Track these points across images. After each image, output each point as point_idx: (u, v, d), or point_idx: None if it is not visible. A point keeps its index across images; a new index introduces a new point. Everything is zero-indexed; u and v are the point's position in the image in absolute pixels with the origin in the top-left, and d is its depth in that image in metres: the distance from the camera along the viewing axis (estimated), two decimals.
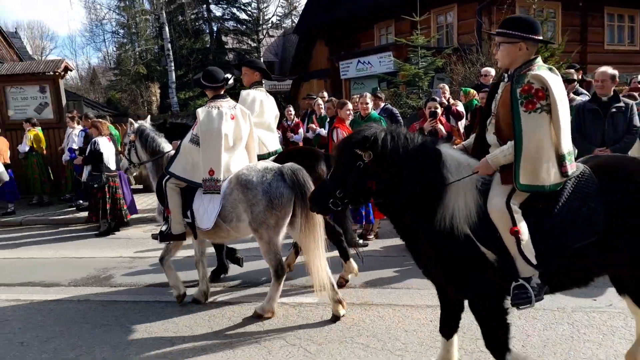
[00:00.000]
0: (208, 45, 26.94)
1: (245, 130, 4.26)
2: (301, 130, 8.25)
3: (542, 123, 2.49)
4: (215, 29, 27.40)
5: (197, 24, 26.42)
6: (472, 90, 7.79)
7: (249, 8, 26.91)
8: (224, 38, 27.37)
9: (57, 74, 10.93)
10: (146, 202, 9.21)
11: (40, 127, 9.95)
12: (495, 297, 2.61)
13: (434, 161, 2.63)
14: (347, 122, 6.08)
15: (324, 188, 2.82)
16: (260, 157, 4.47)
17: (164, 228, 4.32)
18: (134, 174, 5.45)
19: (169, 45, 21.59)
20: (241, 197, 3.91)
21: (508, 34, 2.62)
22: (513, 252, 2.51)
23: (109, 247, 6.65)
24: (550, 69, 2.61)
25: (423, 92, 11.18)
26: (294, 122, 8.42)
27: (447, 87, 7.96)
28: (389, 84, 12.73)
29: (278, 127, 5.87)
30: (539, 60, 2.64)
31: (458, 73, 11.55)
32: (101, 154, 7.21)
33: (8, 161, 8.98)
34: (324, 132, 7.80)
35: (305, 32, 20.48)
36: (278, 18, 29.60)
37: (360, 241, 5.86)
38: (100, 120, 8.12)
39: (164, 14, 21.81)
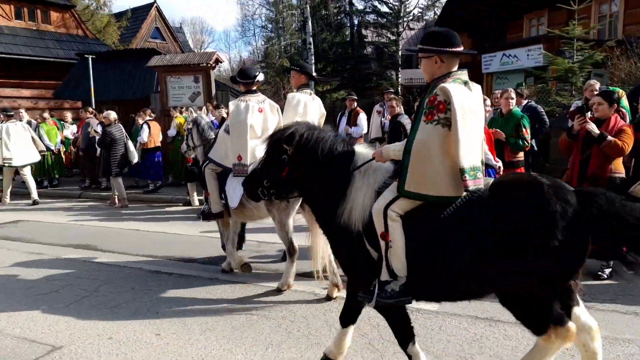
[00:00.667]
0: (348, 39, 27.30)
1: (272, 122, 4.72)
2: None
3: (435, 135, 2.50)
4: (356, 22, 27.64)
5: (338, 17, 26.87)
6: (620, 90, 6.79)
7: (391, 1, 26.66)
8: (364, 31, 27.50)
9: (208, 65, 11.87)
10: None
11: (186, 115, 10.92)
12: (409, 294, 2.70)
13: (344, 159, 2.91)
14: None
15: (255, 176, 3.14)
16: None
17: (205, 208, 5.02)
18: (191, 156, 6.11)
19: (311, 39, 22.27)
20: None
21: (423, 49, 2.67)
22: (382, 254, 2.66)
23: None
24: (465, 83, 2.60)
25: (576, 89, 10.05)
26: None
27: (597, 84, 7.05)
28: (536, 80, 11.68)
29: None
30: (460, 73, 2.65)
31: (621, 69, 10.17)
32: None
33: (159, 144, 9.97)
34: None
35: (448, 24, 19.69)
36: (420, 10, 28.92)
37: None
38: None
39: (308, 9, 22.54)
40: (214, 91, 12.17)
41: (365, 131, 9.19)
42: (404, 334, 2.88)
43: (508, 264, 2.42)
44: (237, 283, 4.81)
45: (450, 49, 2.63)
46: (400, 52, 26.72)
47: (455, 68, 2.68)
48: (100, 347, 3.55)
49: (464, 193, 2.53)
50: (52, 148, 10.81)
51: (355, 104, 9.21)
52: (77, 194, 10.37)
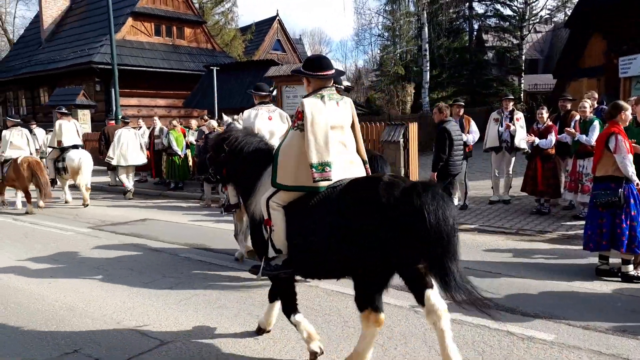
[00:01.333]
0: (467, 44, 26.30)
1: (280, 127, 5.47)
2: (551, 135, 7.38)
3: (295, 138, 3.21)
4: (475, 27, 26.55)
5: (456, 23, 26.02)
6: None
7: (515, 3, 25.19)
8: (484, 36, 26.31)
9: None
10: None
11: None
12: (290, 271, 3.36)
13: (261, 160, 3.55)
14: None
15: (202, 164, 4.12)
16: None
17: (224, 201, 5.67)
18: None
19: (427, 46, 21.79)
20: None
21: (294, 71, 3.61)
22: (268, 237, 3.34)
23: None
24: (322, 97, 3.23)
25: None
26: (544, 125, 7.56)
27: None
28: None
29: None
30: (325, 90, 3.27)
31: None
32: None
33: None
34: (584, 138, 6.76)
35: (579, 25, 18.05)
36: (549, 12, 26.96)
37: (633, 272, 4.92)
38: None
39: (425, 15, 22.11)
40: None
41: (478, 136, 8.75)
42: (288, 304, 3.53)
43: (350, 250, 2.96)
44: (336, 293, 4.76)
45: (312, 73, 3.31)
46: (523, 57, 25.12)
47: (327, 85, 3.34)
48: (202, 347, 3.70)
49: (321, 184, 3.13)
50: (180, 153, 11.72)
51: (463, 110, 8.78)
52: (198, 196, 11.12)
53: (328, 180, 3.14)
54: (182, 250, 6.51)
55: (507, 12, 25.26)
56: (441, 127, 6.84)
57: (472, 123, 8.68)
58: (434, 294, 2.95)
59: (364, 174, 3.39)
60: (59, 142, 10.45)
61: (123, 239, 7.25)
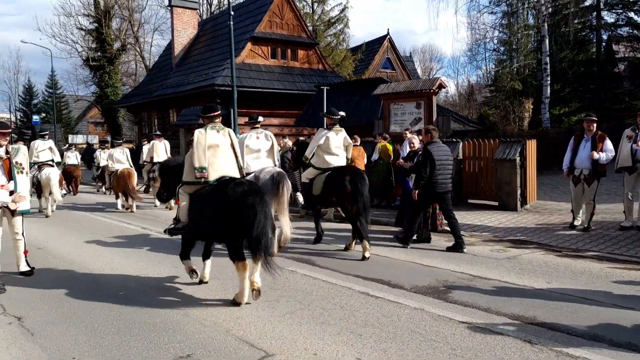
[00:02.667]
0: (594, 56, 24.25)
1: (264, 144, 7.50)
2: None
3: (190, 153, 5.33)
4: (604, 37, 24.42)
5: (582, 34, 24.15)
6: None
7: None
8: (614, 47, 24.08)
9: (431, 91, 11.87)
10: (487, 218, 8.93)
11: (390, 140, 11.18)
12: (188, 233, 5.53)
13: (179, 170, 5.53)
14: None
15: (160, 187, 6.30)
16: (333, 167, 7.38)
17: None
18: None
19: (547, 59, 20.46)
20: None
21: (199, 116, 5.97)
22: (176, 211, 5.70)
23: (454, 260, 6.71)
24: (206, 128, 5.36)
25: None
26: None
27: None
28: None
29: None
30: (210, 124, 5.41)
31: None
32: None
33: (363, 167, 10.35)
34: None
35: None
36: None
37: None
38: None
39: (546, 27, 20.81)
40: (434, 116, 12.09)
41: (613, 155, 7.98)
42: (183, 253, 5.73)
43: (215, 223, 4.99)
44: (444, 319, 4.55)
45: (203, 115, 5.52)
46: None
47: (214, 121, 5.46)
48: None
49: (210, 180, 5.18)
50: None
51: (595, 125, 8.05)
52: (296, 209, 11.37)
53: (204, 177, 5.19)
54: (289, 264, 6.66)
55: None
56: (426, 149, 7.41)
57: (607, 141, 7.95)
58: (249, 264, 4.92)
59: (236, 176, 5.40)
60: (151, 158, 13.14)
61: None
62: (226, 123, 16.97)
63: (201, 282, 5.77)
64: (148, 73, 33.14)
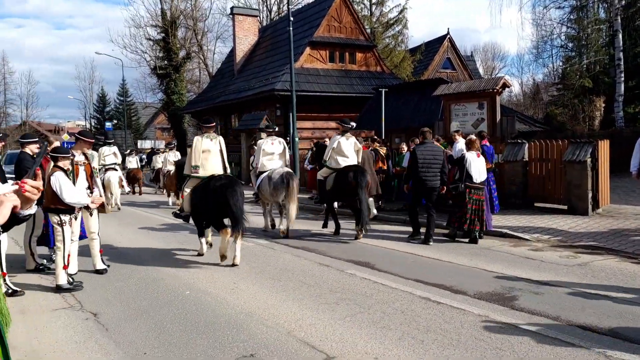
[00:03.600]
0: None
1: (278, 149, 9.33)
2: None
3: (189, 154, 7.50)
4: None
5: None
6: None
7: None
8: None
9: (495, 90, 11.49)
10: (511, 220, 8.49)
11: (444, 142, 11.00)
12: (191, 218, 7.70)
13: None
14: None
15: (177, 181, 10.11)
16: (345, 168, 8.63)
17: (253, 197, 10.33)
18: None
19: (621, 54, 19.29)
20: (266, 181, 9.00)
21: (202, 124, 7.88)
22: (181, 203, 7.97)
23: (521, 266, 6.46)
24: (202, 136, 7.35)
25: None
26: None
27: None
28: None
29: None
30: (206, 133, 7.38)
31: None
32: (463, 165, 8.12)
33: None
34: None
35: None
36: None
37: None
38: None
39: (619, 20, 19.64)
40: (498, 117, 11.70)
41: None
42: (199, 232, 7.62)
43: (207, 209, 7.06)
44: (510, 326, 4.39)
45: (203, 125, 7.58)
46: None
47: (209, 131, 7.41)
48: None
49: (197, 175, 7.30)
50: None
51: None
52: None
53: (197, 173, 7.24)
54: (348, 267, 6.67)
55: None
56: (413, 149, 8.60)
57: None
58: (229, 231, 6.83)
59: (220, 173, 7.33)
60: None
61: (296, 252, 7.72)
62: (284, 126, 17.54)
63: (210, 245, 7.88)
64: (211, 80, 34.28)
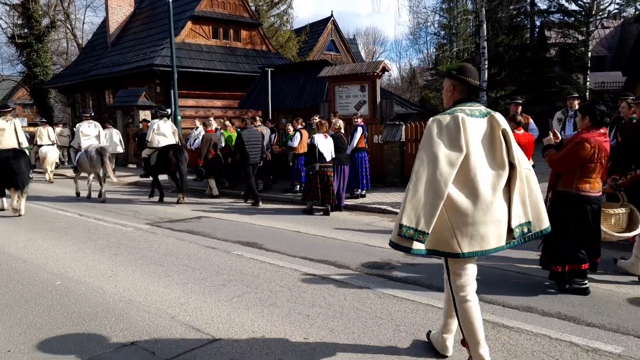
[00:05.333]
0: (527, 42, 25.32)
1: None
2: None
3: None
4: (537, 23, 25.54)
5: (517, 19, 25.12)
6: None
7: None
8: (546, 33, 25.23)
9: (375, 74, 11.99)
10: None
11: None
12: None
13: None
14: None
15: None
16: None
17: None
18: None
19: (485, 44, 21.13)
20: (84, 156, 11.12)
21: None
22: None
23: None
24: (4, 119, 9.08)
25: None
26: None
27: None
28: None
29: None
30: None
31: None
32: (314, 146, 8.95)
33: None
34: None
35: None
36: (617, 6, 25.50)
37: None
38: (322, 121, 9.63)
39: (484, 12, 21.45)
40: (378, 99, 12.24)
41: (537, 134, 8.39)
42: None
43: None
44: (388, 296, 4.68)
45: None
46: (589, 54, 23.86)
47: (6, 115, 9.16)
48: (253, 344, 3.72)
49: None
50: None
51: (520, 108, 8.42)
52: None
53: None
54: (235, 248, 6.61)
55: (573, 7, 24.10)
56: (238, 133, 10.63)
57: (531, 121, 8.40)
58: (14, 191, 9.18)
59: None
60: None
61: (179, 235, 7.47)
62: (166, 104, 16.80)
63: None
64: (81, 52, 31.42)
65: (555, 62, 25.17)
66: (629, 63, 18.81)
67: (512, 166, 2.98)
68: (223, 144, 11.90)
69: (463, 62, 3.36)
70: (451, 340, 3.39)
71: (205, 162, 11.31)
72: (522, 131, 6.83)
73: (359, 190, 10.15)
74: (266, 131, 11.73)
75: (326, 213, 8.99)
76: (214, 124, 13.25)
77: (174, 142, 10.68)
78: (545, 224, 3.06)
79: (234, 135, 12.02)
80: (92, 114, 12.06)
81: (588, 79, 23.99)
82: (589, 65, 24.05)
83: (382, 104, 12.26)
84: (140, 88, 20.20)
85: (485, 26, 21.17)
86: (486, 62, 21.27)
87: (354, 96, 12.43)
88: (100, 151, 10.79)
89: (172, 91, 16.44)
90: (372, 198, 10.04)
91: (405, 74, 48.34)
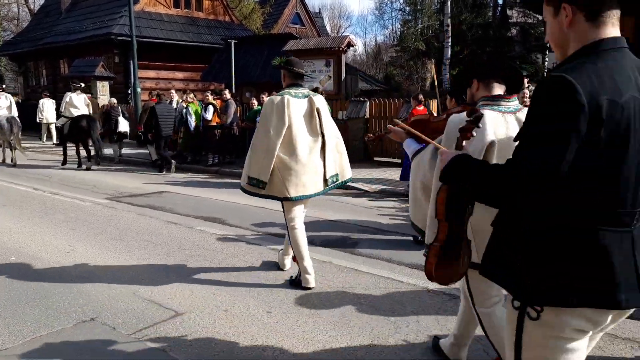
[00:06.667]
0: (490, 20, 25.62)
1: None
2: None
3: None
4: (500, 2, 25.84)
5: None
6: None
7: None
8: (508, 12, 25.58)
9: (340, 49, 11.93)
10: None
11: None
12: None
13: None
14: None
15: None
16: None
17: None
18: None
19: (449, 21, 21.28)
20: None
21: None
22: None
23: (354, 213, 7.00)
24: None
25: None
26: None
27: None
28: None
29: None
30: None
31: None
32: None
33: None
34: None
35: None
36: None
37: None
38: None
39: None
40: (343, 75, 12.22)
41: None
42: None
43: None
44: (350, 270, 4.77)
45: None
46: None
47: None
48: (216, 319, 3.74)
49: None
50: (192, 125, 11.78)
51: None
52: (214, 170, 11.19)
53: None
54: (198, 223, 6.57)
55: None
56: (152, 107, 10.92)
57: None
58: None
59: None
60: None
61: (140, 210, 7.34)
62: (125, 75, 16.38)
63: None
64: (33, 18, 29.83)
65: (516, 41, 25.59)
66: None
67: (325, 135, 4.15)
68: (193, 123, 11.65)
69: (290, 57, 4.55)
70: (289, 260, 4.69)
71: (146, 129, 11.36)
72: (422, 107, 8.66)
73: None
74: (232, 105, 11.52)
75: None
76: (175, 97, 12.97)
77: (87, 113, 11.69)
78: (348, 175, 4.43)
79: (199, 109, 11.81)
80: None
81: (547, 59, 24.58)
82: (548, 45, 24.63)
83: (347, 79, 12.25)
84: (98, 58, 19.43)
85: (449, 3, 21.28)
86: (449, 40, 21.47)
87: (319, 71, 12.36)
88: (11, 120, 11.66)
89: (131, 62, 15.90)
90: None
91: (371, 49, 48.24)
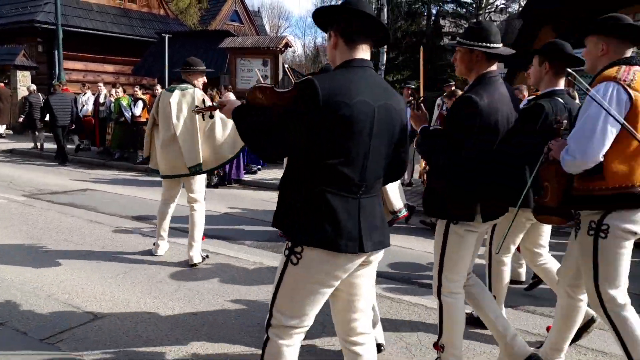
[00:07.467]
0: (424, 29, 26.53)
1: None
2: None
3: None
4: (433, 11, 26.82)
5: (415, 6, 26.17)
6: None
7: None
8: (441, 21, 26.61)
9: (278, 49, 11.91)
10: None
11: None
12: None
13: None
14: None
15: None
16: None
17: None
18: None
19: None
20: None
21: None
22: None
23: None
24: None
25: None
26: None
27: None
28: None
29: None
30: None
31: None
32: None
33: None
34: None
35: (531, 17, 18.55)
36: (504, 2, 27.55)
37: None
38: None
39: None
40: (280, 75, 12.21)
41: None
42: None
43: None
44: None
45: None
46: None
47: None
48: (138, 321, 3.60)
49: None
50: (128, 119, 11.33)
51: (410, 92, 8.89)
52: (143, 168, 10.81)
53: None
54: (123, 223, 6.31)
55: None
56: (47, 98, 11.50)
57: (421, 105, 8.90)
58: None
59: None
60: None
61: (61, 209, 6.95)
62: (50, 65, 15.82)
63: None
64: None
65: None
66: (511, 55, 20.44)
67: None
68: (129, 115, 11.17)
69: (191, 57, 5.25)
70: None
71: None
72: None
73: (255, 166, 10.11)
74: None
75: (215, 186, 8.93)
76: (104, 90, 12.42)
77: None
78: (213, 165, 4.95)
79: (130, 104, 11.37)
80: None
81: None
82: None
83: (285, 80, 12.24)
84: (19, 46, 18.20)
85: (385, 10, 21.82)
86: (385, 46, 22.00)
87: (256, 70, 12.25)
88: None
89: (56, 52, 15.03)
90: (270, 174, 10.06)
91: (310, 51, 48.51)
